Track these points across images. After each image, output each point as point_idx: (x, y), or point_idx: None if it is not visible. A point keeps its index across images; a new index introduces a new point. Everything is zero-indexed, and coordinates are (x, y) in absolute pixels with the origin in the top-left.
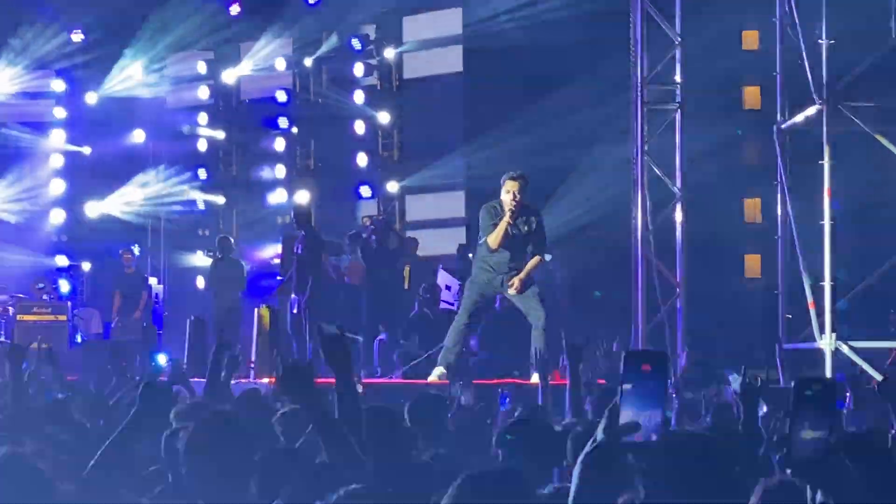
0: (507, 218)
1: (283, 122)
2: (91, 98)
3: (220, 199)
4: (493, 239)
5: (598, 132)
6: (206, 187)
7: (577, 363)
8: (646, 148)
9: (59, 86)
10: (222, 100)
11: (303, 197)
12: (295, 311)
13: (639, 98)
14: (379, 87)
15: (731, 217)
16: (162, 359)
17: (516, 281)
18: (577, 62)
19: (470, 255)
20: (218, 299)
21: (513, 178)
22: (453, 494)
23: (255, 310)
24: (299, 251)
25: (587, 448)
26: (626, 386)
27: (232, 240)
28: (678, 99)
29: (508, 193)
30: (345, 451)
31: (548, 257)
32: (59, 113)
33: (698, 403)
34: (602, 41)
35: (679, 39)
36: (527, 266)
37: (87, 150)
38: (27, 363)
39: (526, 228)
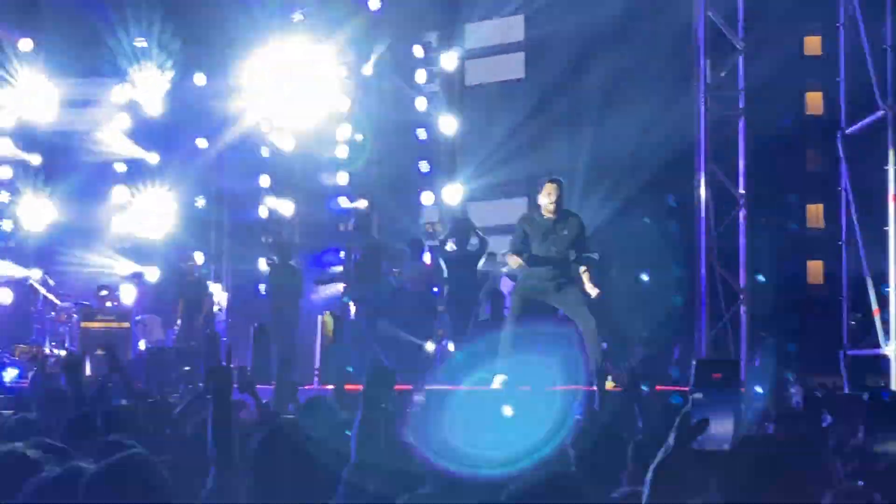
0: (515, 261)
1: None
2: (156, 105)
3: (283, 206)
4: (512, 262)
5: (660, 137)
6: (269, 194)
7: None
8: (709, 154)
9: (124, 93)
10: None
11: (363, 204)
12: (354, 317)
13: (702, 105)
14: (441, 94)
15: (794, 223)
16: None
17: (594, 292)
18: (638, 68)
19: None
20: (277, 306)
21: (551, 181)
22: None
23: (319, 317)
24: (357, 258)
25: (659, 456)
26: (697, 395)
27: (291, 246)
28: (741, 105)
29: (548, 196)
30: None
31: (595, 256)
32: (124, 120)
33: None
34: (664, 47)
35: (742, 45)
36: (586, 275)
37: (153, 156)
38: (96, 369)
39: (566, 233)
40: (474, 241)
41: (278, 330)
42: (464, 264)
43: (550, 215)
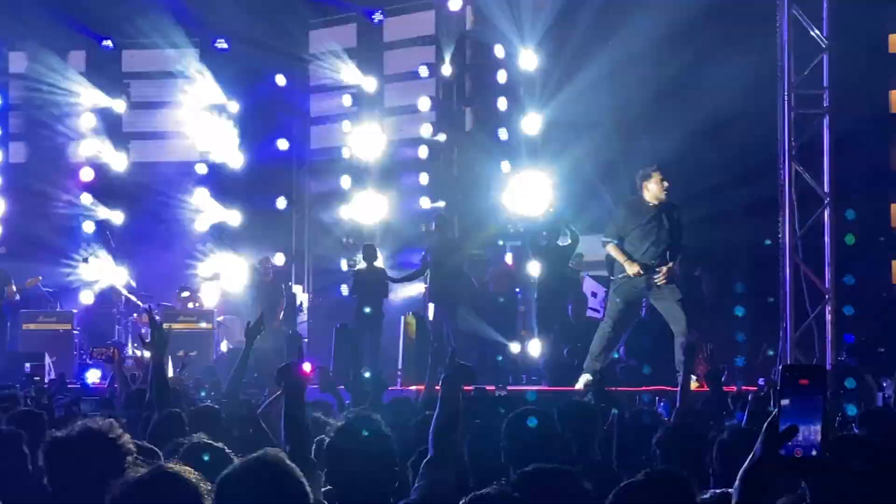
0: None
1: (425, 131)
2: (234, 106)
3: (365, 207)
4: (611, 252)
5: (742, 136)
6: (350, 195)
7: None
8: (793, 153)
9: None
10: (366, 106)
11: (441, 205)
12: (433, 317)
13: (785, 103)
14: (521, 95)
15: (878, 222)
16: (307, 367)
17: (664, 269)
18: (720, 68)
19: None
20: (361, 307)
21: (656, 170)
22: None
23: (402, 317)
24: (429, 258)
25: (747, 464)
26: (785, 401)
27: (376, 247)
28: (826, 103)
29: (662, 182)
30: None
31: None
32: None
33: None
34: (747, 44)
35: (826, 43)
36: (670, 263)
37: (237, 160)
38: (179, 370)
39: (668, 223)
40: (565, 236)
41: (361, 331)
42: (557, 260)
43: (656, 203)
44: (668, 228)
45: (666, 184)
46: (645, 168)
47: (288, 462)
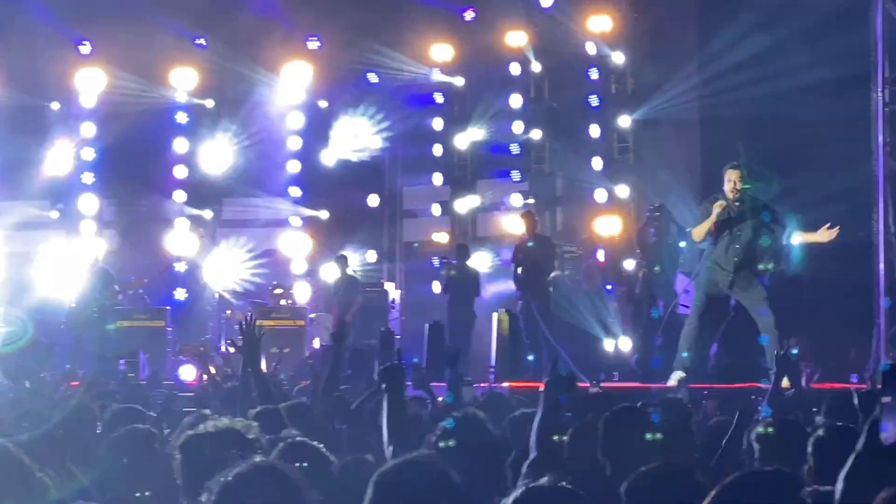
0: (716, 209)
1: (517, 128)
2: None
3: (457, 205)
4: (697, 231)
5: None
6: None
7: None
8: (888, 148)
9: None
10: (457, 104)
11: (531, 202)
12: (522, 314)
13: (880, 98)
14: (615, 92)
15: None
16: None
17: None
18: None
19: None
20: (454, 305)
21: (733, 167)
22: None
23: (494, 314)
24: (519, 257)
25: (850, 461)
26: (887, 399)
27: (469, 246)
28: None
29: (729, 182)
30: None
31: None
32: (298, 119)
33: None
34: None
35: None
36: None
37: (329, 157)
38: (274, 365)
39: (753, 221)
40: (674, 229)
41: (453, 328)
42: (664, 252)
43: (736, 202)
44: (751, 226)
45: (732, 183)
46: (727, 165)
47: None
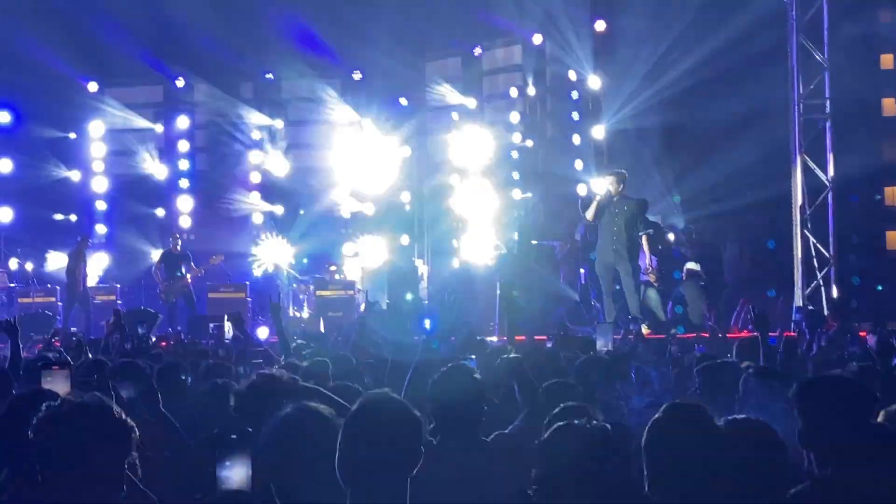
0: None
1: (516, 139)
2: (366, 123)
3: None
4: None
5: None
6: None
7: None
8: (803, 150)
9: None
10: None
11: (529, 196)
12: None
13: (796, 111)
14: (590, 109)
15: (873, 201)
16: (428, 323)
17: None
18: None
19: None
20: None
21: (611, 173)
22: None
23: (497, 282)
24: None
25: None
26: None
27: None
28: (828, 110)
29: (612, 185)
30: None
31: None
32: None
33: None
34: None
35: (827, 63)
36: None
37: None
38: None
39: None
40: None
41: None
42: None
43: (614, 197)
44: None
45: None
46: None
47: (405, 403)
